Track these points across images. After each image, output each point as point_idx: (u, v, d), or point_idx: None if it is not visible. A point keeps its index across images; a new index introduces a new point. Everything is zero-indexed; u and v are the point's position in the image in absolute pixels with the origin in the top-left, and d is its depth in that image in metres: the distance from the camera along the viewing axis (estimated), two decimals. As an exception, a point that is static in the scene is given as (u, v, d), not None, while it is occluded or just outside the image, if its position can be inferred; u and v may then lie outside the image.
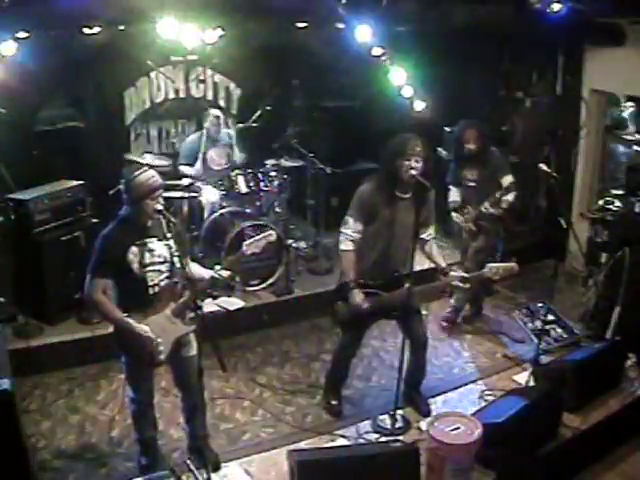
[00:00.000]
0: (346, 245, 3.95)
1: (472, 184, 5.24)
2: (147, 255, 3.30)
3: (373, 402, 4.47)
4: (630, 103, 6.84)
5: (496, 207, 5.06)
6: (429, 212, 4.01)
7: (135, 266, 3.27)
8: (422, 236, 3.99)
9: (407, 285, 3.90)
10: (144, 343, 3.27)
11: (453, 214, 5.36)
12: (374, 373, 4.85)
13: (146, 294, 3.32)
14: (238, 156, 6.26)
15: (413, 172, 3.76)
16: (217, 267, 3.54)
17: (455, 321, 5.50)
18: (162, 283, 3.36)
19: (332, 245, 6.41)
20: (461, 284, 3.98)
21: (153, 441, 3.70)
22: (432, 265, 4.11)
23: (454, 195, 5.39)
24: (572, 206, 6.65)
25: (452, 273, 3.98)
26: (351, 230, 3.93)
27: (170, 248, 3.32)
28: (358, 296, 3.89)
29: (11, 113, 5.01)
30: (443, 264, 4.05)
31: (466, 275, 4.03)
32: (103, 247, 3.28)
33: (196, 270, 3.54)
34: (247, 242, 3.59)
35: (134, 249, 3.27)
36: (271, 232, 3.71)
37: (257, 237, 3.62)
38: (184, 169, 6.05)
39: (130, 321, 3.25)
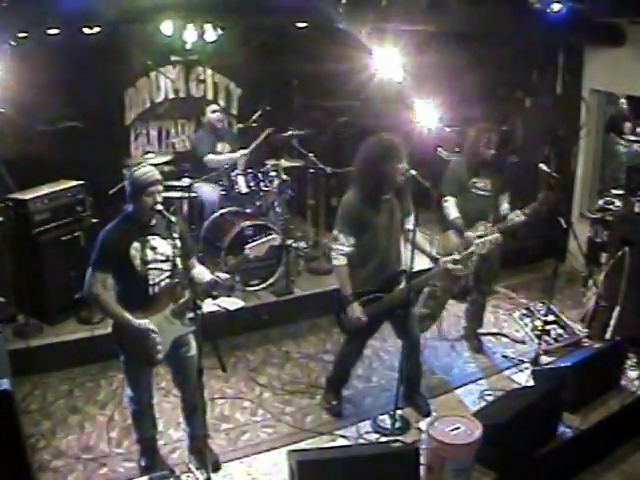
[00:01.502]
0: (339, 261, 3.89)
1: (483, 193, 4.77)
2: (149, 252, 3.31)
3: (373, 402, 4.47)
4: (622, 101, 6.86)
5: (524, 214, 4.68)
6: (408, 202, 3.99)
7: (137, 262, 3.28)
8: (406, 226, 4.00)
9: (404, 282, 3.91)
10: (142, 339, 3.27)
11: (472, 236, 4.53)
12: (374, 373, 4.84)
13: (146, 293, 3.33)
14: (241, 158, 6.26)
15: (412, 172, 3.77)
16: (220, 273, 3.51)
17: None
18: (163, 283, 3.36)
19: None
20: (454, 266, 3.95)
21: (153, 441, 3.70)
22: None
23: (454, 210, 4.68)
24: (572, 206, 6.65)
25: (443, 258, 3.97)
26: (342, 245, 3.87)
27: (174, 247, 3.32)
28: (357, 310, 3.88)
29: (11, 113, 5.00)
30: (433, 252, 4.08)
31: (457, 257, 3.99)
32: (105, 242, 3.30)
33: (199, 273, 3.54)
34: (250, 245, 3.55)
35: (136, 245, 3.28)
36: (275, 236, 3.70)
37: (261, 240, 3.59)
38: (209, 159, 5.97)
39: (128, 316, 3.26)
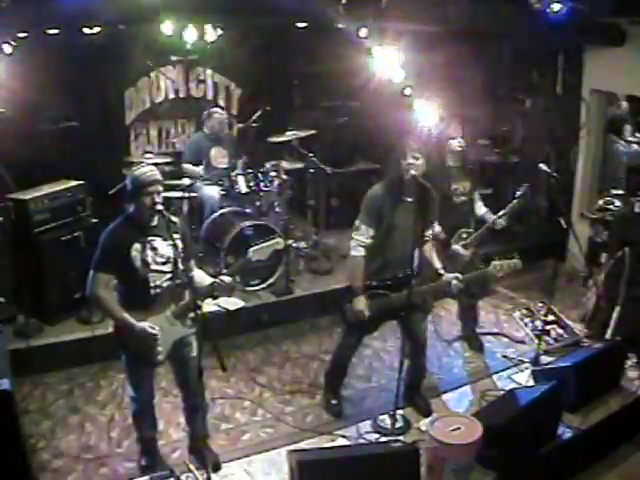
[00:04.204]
0: (358, 251, 3.92)
1: (464, 198, 4.72)
2: (150, 253, 3.30)
3: (373, 402, 4.47)
4: (624, 103, 6.86)
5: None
6: (433, 214, 4.02)
7: (138, 264, 3.27)
8: (425, 234, 4.01)
9: (412, 284, 3.90)
10: (144, 341, 3.27)
11: (459, 249, 4.61)
12: (374, 373, 4.84)
13: (148, 294, 3.32)
14: (239, 162, 6.29)
15: (413, 172, 3.78)
16: (222, 275, 3.49)
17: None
18: (165, 284, 3.36)
19: (332, 245, 6.44)
20: (456, 283, 3.94)
21: (153, 441, 3.70)
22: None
23: (438, 226, 4.43)
24: (572, 206, 6.65)
25: (447, 275, 3.98)
26: (364, 236, 3.89)
27: (175, 248, 3.30)
28: (362, 303, 3.90)
29: (11, 113, 5.00)
30: (438, 265, 4.06)
31: (459, 276, 3.97)
32: (107, 242, 3.29)
33: (198, 276, 3.52)
34: (254, 248, 3.52)
35: (137, 246, 3.27)
36: (278, 240, 3.68)
37: (264, 244, 3.55)
38: (188, 167, 6.07)
39: (130, 319, 3.25)
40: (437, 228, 4.53)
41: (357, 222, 3.96)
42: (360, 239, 3.91)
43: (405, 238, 3.90)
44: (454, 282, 3.94)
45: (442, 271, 4.01)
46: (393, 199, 3.89)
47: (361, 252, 3.91)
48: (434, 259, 4.07)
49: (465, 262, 4.63)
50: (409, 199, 3.91)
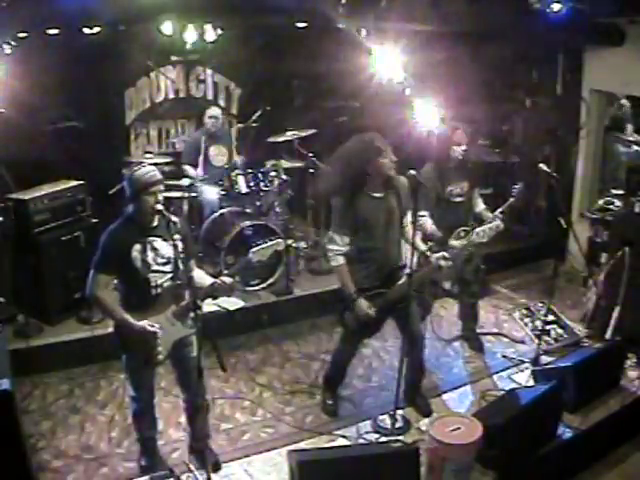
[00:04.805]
0: (337, 261, 3.92)
1: (460, 199, 4.69)
2: (151, 254, 3.30)
3: (373, 402, 4.47)
4: (625, 101, 6.87)
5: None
6: (407, 200, 3.99)
7: (139, 264, 3.27)
8: (404, 222, 4.02)
9: (404, 277, 3.92)
10: (144, 341, 3.27)
11: (455, 244, 4.46)
12: (374, 373, 4.84)
13: (149, 295, 3.33)
14: (238, 158, 6.31)
15: (412, 172, 3.79)
16: (223, 275, 3.50)
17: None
18: (165, 284, 3.36)
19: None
20: (444, 263, 3.91)
21: (153, 441, 3.69)
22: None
23: (430, 224, 4.49)
24: (572, 206, 6.65)
25: (433, 255, 3.95)
26: (338, 245, 3.90)
27: (175, 248, 3.29)
28: (364, 305, 3.89)
29: (11, 113, 5.00)
30: (423, 247, 4.06)
31: (446, 254, 3.93)
32: (108, 243, 3.29)
33: (199, 277, 3.52)
34: (254, 249, 3.52)
35: (138, 246, 3.27)
36: (279, 241, 3.69)
37: (265, 245, 3.57)
38: (187, 168, 6.07)
39: (130, 319, 3.25)
40: (431, 227, 4.53)
41: (330, 233, 3.96)
42: (335, 248, 3.90)
43: (389, 232, 3.94)
44: (442, 262, 3.89)
45: (428, 253, 4.01)
46: (363, 200, 3.88)
47: (340, 260, 3.91)
48: (418, 242, 4.05)
49: (464, 259, 4.63)
50: (380, 194, 3.91)
